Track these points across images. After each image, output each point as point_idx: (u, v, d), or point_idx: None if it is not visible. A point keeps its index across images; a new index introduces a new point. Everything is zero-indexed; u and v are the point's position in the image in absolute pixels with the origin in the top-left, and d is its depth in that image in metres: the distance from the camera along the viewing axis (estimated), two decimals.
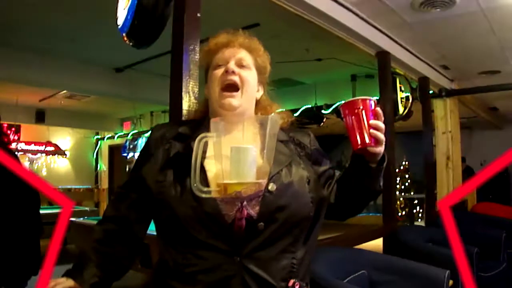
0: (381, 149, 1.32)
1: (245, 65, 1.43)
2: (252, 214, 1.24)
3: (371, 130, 1.28)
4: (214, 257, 1.23)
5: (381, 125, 1.29)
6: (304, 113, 8.38)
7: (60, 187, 11.73)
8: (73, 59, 6.67)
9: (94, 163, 12.75)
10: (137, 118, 11.30)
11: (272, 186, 1.27)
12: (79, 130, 12.08)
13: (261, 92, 1.53)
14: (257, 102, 1.52)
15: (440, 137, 6.47)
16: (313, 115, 8.39)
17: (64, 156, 11.97)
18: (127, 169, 11.95)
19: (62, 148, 11.94)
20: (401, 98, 5.56)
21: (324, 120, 8.40)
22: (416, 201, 11.07)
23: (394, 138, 4.51)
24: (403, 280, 3.10)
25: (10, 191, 2.76)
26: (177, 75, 2.15)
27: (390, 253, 4.04)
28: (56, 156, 11.81)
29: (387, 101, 4.50)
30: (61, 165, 12.08)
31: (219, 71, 1.42)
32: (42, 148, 11.41)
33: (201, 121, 1.47)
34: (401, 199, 11.12)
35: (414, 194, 11.59)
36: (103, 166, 12.55)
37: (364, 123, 1.28)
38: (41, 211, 3.13)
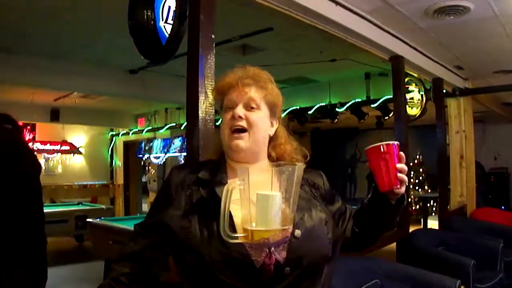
0: (404, 189, 1.39)
1: (253, 107, 1.43)
2: (279, 259, 1.27)
3: (398, 174, 1.35)
4: None
5: (405, 168, 1.36)
6: (318, 110, 8.41)
7: (75, 183, 11.87)
8: (87, 62, 6.74)
9: (109, 159, 12.81)
10: (152, 115, 11.35)
11: (297, 232, 1.31)
12: (94, 127, 12.17)
13: (275, 127, 1.53)
14: (272, 138, 1.52)
15: (453, 136, 6.45)
16: (327, 113, 8.42)
17: (80, 153, 12.10)
18: (141, 163, 12.03)
19: (77, 145, 12.04)
20: (410, 99, 5.54)
21: (338, 116, 8.41)
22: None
23: (407, 139, 4.53)
24: None
25: (15, 207, 2.81)
26: (193, 100, 2.19)
27: (403, 258, 4.07)
28: (71, 154, 11.93)
29: (401, 104, 4.53)
30: (77, 161, 12.18)
31: (228, 115, 1.43)
32: (57, 147, 11.52)
33: (218, 164, 1.49)
34: (414, 194, 11.07)
35: (428, 188, 11.59)
36: (118, 162, 12.62)
37: (391, 167, 1.35)
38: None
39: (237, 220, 1.28)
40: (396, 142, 1.37)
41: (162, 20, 2.52)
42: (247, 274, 1.25)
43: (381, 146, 1.36)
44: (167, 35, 2.48)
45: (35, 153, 3.57)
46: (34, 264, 2.95)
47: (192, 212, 1.36)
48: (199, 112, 2.17)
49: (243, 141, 1.41)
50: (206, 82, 2.22)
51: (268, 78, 1.51)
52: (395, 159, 1.35)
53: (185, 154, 8.62)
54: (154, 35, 2.50)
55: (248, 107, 1.43)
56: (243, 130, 1.41)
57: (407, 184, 1.38)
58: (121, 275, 1.41)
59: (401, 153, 1.37)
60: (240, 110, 1.41)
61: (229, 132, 1.43)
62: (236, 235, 1.23)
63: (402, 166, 1.36)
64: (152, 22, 2.48)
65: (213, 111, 2.23)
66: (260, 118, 1.44)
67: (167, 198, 1.44)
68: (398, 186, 1.36)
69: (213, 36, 2.33)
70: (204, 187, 1.40)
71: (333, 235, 1.42)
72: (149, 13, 2.52)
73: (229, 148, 1.43)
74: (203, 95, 2.20)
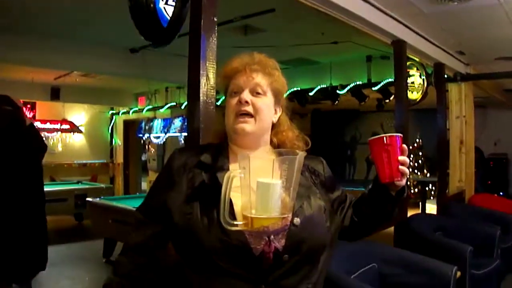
0: (405, 181, 1.40)
1: (260, 92, 1.44)
2: (278, 247, 1.28)
3: (400, 166, 1.36)
4: (240, 285, 1.28)
5: (407, 160, 1.37)
6: (319, 91, 8.42)
7: (75, 162, 11.89)
8: (88, 41, 6.69)
9: (109, 138, 12.82)
10: (152, 94, 11.28)
11: (296, 220, 1.32)
12: (94, 106, 12.13)
13: (278, 114, 1.53)
14: (275, 125, 1.53)
15: (454, 121, 6.45)
16: (328, 94, 8.42)
17: (80, 132, 12.10)
18: (141, 142, 12.02)
19: (77, 123, 12.06)
20: (411, 83, 5.53)
21: (338, 98, 8.41)
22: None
23: (408, 124, 4.52)
24: (412, 274, 3.15)
25: (16, 188, 2.81)
26: (194, 82, 2.18)
27: (401, 243, 4.09)
28: (72, 132, 11.94)
29: (403, 89, 4.51)
30: (77, 140, 12.18)
31: (234, 100, 1.43)
32: (57, 126, 11.56)
33: (220, 148, 1.49)
34: (413, 178, 11.08)
35: (427, 171, 11.60)
36: (118, 140, 12.60)
37: (393, 159, 1.36)
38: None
39: (237, 208, 1.29)
40: (399, 135, 1.37)
41: (163, 1, 2.49)
42: (246, 261, 1.27)
43: (384, 138, 1.36)
44: (167, 17, 2.45)
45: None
46: (34, 243, 2.97)
47: (194, 198, 1.36)
48: (200, 94, 2.16)
49: (248, 125, 1.41)
50: (207, 64, 2.20)
51: (274, 65, 1.51)
52: (397, 151, 1.36)
53: (185, 134, 8.62)
54: (154, 17, 2.46)
55: (254, 93, 1.44)
56: (249, 115, 1.42)
57: (408, 176, 1.39)
58: (129, 269, 1.43)
59: (404, 145, 1.38)
60: (246, 95, 1.42)
61: (234, 116, 1.43)
62: (236, 222, 1.23)
63: (404, 158, 1.36)
64: (152, 5, 2.45)
65: (214, 93, 2.22)
66: (265, 105, 1.45)
67: (168, 181, 1.44)
68: (399, 178, 1.37)
69: (215, 19, 2.31)
70: (206, 171, 1.40)
71: (332, 223, 1.43)
72: None
73: (234, 131, 1.43)
74: (205, 77, 2.19)
